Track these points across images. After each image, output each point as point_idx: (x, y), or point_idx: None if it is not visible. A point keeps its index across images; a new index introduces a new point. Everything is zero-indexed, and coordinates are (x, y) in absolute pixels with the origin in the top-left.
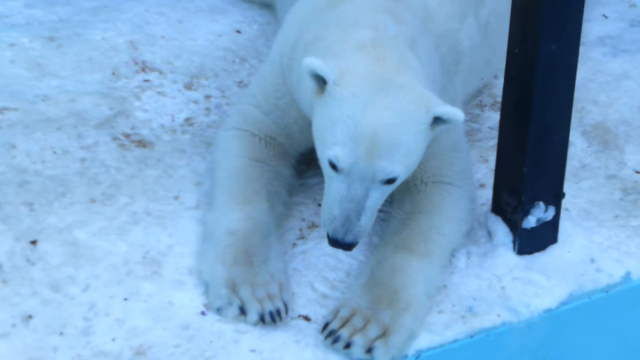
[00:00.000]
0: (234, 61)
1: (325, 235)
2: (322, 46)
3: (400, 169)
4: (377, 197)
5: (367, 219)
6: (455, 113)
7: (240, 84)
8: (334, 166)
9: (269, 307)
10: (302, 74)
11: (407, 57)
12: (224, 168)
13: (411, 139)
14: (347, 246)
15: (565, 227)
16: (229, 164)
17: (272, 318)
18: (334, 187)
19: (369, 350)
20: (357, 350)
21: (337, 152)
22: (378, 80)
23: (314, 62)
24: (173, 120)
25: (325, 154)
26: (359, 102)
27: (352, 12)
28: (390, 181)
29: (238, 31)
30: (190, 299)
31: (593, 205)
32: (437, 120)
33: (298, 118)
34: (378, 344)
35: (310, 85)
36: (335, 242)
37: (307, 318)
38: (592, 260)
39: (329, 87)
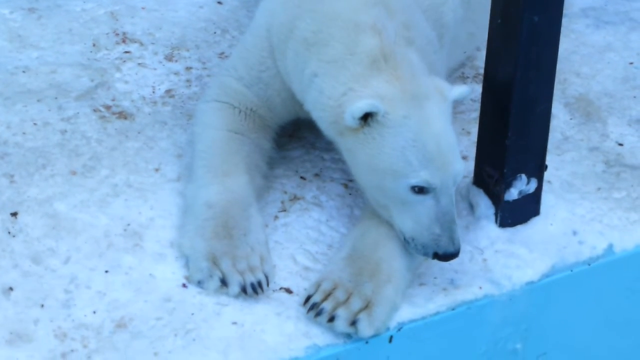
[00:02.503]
0: (215, 32)
1: (417, 252)
2: (329, 55)
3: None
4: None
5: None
6: (464, 91)
7: (222, 55)
8: (421, 190)
9: (250, 279)
10: (340, 112)
11: (411, 60)
12: (203, 140)
13: (453, 131)
14: (458, 254)
15: (547, 199)
16: (208, 137)
17: (253, 290)
18: (422, 209)
19: (353, 323)
20: (341, 323)
21: (425, 177)
22: (409, 97)
23: (367, 104)
24: (154, 92)
25: (405, 183)
26: (413, 122)
27: (344, 4)
28: None
29: (219, 2)
30: (171, 272)
31: (575, 177)
32: None
33: (281, 90)
34: (362, 316)
35: (351, 124)
36: (447, 257)
37: (288, 290)
38: (575, 233)
39: (380, 118)
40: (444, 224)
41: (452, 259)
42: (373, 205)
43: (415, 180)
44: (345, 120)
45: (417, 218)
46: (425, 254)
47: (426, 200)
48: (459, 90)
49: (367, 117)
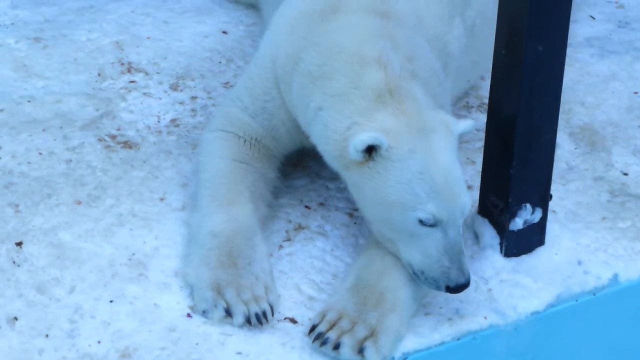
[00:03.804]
0: (220, 62)
1: (432, 287)
2: (334, 88)
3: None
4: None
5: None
6: (470, 125)
7: (227, 85)
8: (429, 223)
9: (254, 308)
10: (342, 143)
11: (415, 95)
12: (207, 170)
13: (459, 165)
14: (468, 284)
15: (552, 229)
16: (212, 166)
17: (258, 320)
18: (430, 241)
19: (360, 350)
20: (346, 350)
21: (432, 209)
22: (415, 131)
23: (369, 137)
24: (159, 122)
25: (413, 216)
26: (419, 156)
27: (349, 38)
28: None
29: (224, 32)
30: (176, 301)
31: (580, 207)
32: None
33: (286, 120)
34: (368, 344)
35: (355, 158)
36: (459, 288)
37: (293, 320)
38: (580, 263)
39: (383, 152)
40: (453, 255)
41: (463, 289)
42: (379, 239)
43: (423, 213)
44: (350, 153)
45: (425, 251)
46: (437, 288)
47: (434, 233)
48: (465, 124)
49: (371, 151)
